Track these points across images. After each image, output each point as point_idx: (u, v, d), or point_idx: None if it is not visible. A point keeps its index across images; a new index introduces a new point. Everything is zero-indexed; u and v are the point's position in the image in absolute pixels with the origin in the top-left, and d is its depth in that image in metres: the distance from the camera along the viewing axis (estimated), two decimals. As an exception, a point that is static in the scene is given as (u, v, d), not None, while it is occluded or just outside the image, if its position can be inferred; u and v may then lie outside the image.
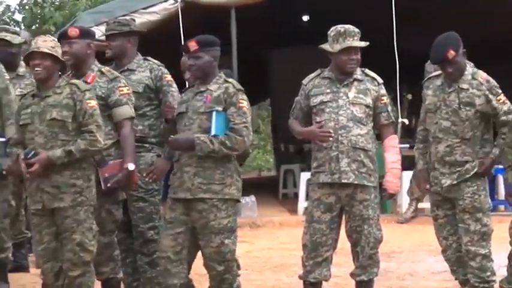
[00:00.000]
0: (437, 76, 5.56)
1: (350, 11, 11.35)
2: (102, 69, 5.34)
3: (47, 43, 5.02)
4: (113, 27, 5.69)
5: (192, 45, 5.05)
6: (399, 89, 10.43)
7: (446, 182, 5.40)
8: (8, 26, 7.37)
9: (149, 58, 5.67)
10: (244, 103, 5.04)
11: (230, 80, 5.10)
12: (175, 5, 9.99)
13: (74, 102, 4.98)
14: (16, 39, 6.60)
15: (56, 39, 5.17)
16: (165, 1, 10.01)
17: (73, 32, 5.40)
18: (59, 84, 5.04)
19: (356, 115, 5.31)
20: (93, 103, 5.02)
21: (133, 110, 5.30)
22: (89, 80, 5.30)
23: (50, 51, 4.98)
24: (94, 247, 5.04)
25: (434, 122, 5.47)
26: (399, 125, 10.52)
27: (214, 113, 4.97)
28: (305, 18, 13.69)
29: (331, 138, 5.26)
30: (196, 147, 4.94)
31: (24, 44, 6.72)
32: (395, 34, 10.11)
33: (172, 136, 5.06)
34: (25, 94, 5.18)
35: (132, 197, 5.58)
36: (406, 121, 10.69)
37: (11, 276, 6.12)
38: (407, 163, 6.52)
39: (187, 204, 5.03)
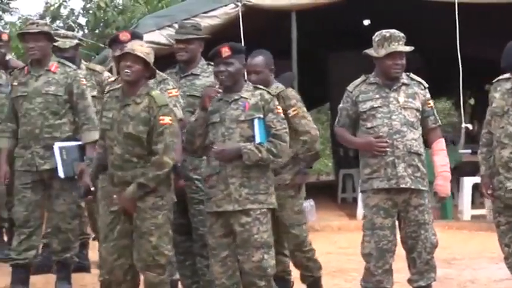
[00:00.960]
0: (507, 79, 5.40)
1: (412, 16, 11.29)
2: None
3: (142, 48, 5.02)
4: (190, 31, 5.70)
5: (225, 50, 4.95)
6: (462, 94, 10.31)
7: (510, 186, 5.30)
8: (59, 31, 7.44)
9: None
10: (280, 109, 5.00)
11: (260, 86, 5.03)
12: (236, 9, 10.03)
13: (149, 116, 4.97)
14: (66, 44, 6.68)
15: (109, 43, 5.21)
16: (225, 5, 10.06)
17: (124, 36, 5.49)
18: (140, 93, 5.02)
19: (408, 119, 5.26)
20: (167, 119, 4.96)
21: (181, 111, 5.37)
22: None
23: (144, 56, 4.98)
24: (169, 251, 5.08)
25: (500, 126, 5.34)
26: (463, 130, 10.41)
27: (256, 121, 4.90)
28: (366, 22, 13.62)
29: (388, 149, 5.22)
30: (244, 156, 4.85)
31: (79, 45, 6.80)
32: (459, 39, 10.00)
33: (216, 147, 4.94)
34: (110, 90, 5.19)
35: (193, 200, 5.61)
36: (470, 126, 10.58)
37: (73, 276, 6.20)
38: (470, 168, 6.45)
39: (228, 219, 4.90)
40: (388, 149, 5.20)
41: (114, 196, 5.02)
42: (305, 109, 5.75)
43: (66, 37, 6.76)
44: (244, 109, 4.92)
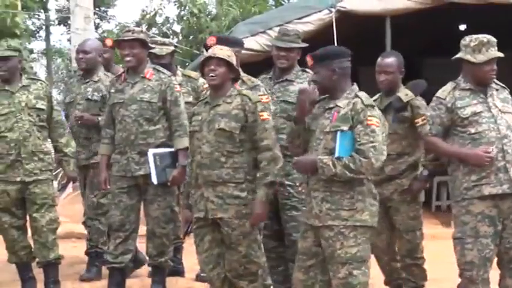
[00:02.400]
0: None
1: (509, 22, 11.04)
2: (243, 78, 5.43)
3: (223, 51, 5.07)
4: (293, 39, 5.72)
5: (308, 60, 4.80)
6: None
7: None
8: (156, 38, 7.54)
9: (307, 70, 5.67)
10: (373, 120, 4.58)
11: (360, 94, 4.72)
12: (330, 15, 10.00)
13: (244, 113, 5.01)
14: (163, 51, 6.77)
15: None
16: (319, 11, 10.04)
17: (211, 41, 5.56)
18: (230, 94, 5.08)
19: (510, 124, 5.12)
20: (265, 115, 5.01)
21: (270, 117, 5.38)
22: None
23: (226, 58, 5.03)
24: (260, 258, 5.07)
25: None
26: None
27: (338, 133, 4.60)
28: (462, 27, 13.39)
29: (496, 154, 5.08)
30: (319, 170, 4.58)
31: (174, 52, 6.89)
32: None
33: (296, 158, 4.78)
34: (199, 101, 5.26)
35: (285, 206, 5.62)
36: None
37: (167, 280, 6.27)
38: None
39: (317, 231, 4.71)
40: (498, 154, 5.01)
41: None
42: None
43: (163, 44, 6.86)
44: (331, 120, 4.68)
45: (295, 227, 5.52)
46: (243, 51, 8.22)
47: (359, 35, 10.61)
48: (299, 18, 9.98)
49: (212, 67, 5.02)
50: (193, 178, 5.12)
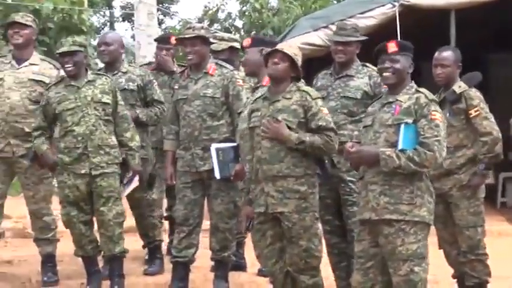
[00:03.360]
0: None
1: None
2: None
3: (291, 48, 5.12)
4: (350, 33, 5.69)
5: (392, 46, 4.71)
6: None
7: None
8: (216, 33, 7.57)
9: (368, 64, 5.64)
10: (437, 115, 4.58)
11: (422, 89, 4.70)
12: (393, 9, 9.91)
13: (303, 109, 5.04)
14: (220, 46, 6.79)
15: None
16: (382, 5, 9.97)
17: (247, 42, 5.65)
18: (290, 90, 5.10)
19: None
20: (326, 111, 5.08)
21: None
22: (264, 83, 5.49)
23: (291, 55, 5.05)
24: (321, 252, 5.08)
25: None
26: None
27: (402, 126, 4.56)
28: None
29: None
30: (381, 162, 4.54)
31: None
32: None
33: (355, 148, 4.70)
34: (257, 98, 5.28)
35: (347, 202, 5.60)
36: None
37: (230, 275, 6.30)
38: None
39: (374, 228, 4.67)
40: None
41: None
42: (488, 110, 5.65)
43: (222, 39, 6.89)
44: (394, 113, 4.64)
45: (357, 222, 5.49)
46: (306, 47, 8.22)
47: (423, 29, 10.50)
48: (362, 13, 9.91)
49: (276, 60, 5.05)
50: (254, 173, 5.14)
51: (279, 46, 5.13)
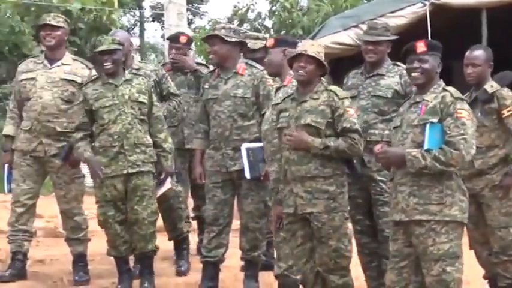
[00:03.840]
0: None
1: None
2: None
3: (313, 47, 5.10)
4: (380, 33, 5.66)
5: (421, 46, 4.70)
6: None
7: None
8: (250, 32, 7.58)
9: (399, 63, 5.62)
10: (464, 113, 4.55)
11: (448, 88, 4.68)
12: (424, 8, 9.86)
13: (330, 109, 5.03)
14: (256, 45, 6.80)
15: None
16: (413, 4, 9.92)
17: (270, 42, 5.67)
18: (317, 90, 5.10)
19: None
20: (352, 111, 5.05)
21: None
22: (285, 83, 5.51)
23: (316, 56, 5.05)
24: (350, 252, 5.06)
25: None
26: None
27: (428, 126, 4.55)
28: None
29: None
30: (408, 163, 4.54)
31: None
32: None
33: (383, 148, 4.70)
34: (285, 98, 5.27)
35: (377, 202, 5.58)
36: None
37: (259, 274, 6.29)
38: None
39: (406, 228, 4.64)
40: None
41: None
42: None
43: (257, 38, 6.89)
44: (420, 113, 4.63)
45: (388, 222, 5.46)
46: (336, 46, 8.19)
47: (453, 28, 10.43)
48: (392, 12, 9.87)
49: (302, 64, 5.05)
50: (282, 174, 5.14)
51: (301, 48, 5.10)
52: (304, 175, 5.02)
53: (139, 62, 6.81)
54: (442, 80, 4.79)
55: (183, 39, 7.13)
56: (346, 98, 5.10)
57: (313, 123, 5.01)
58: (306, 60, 5.04)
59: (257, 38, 6.89)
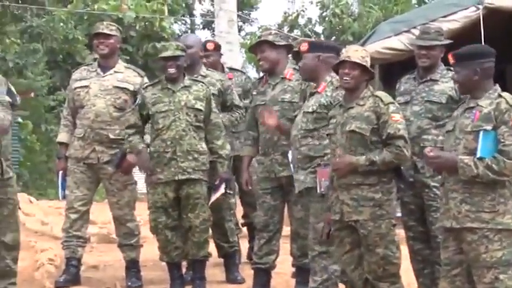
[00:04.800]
0: None
1: None
2: (333, 80, 5.40)
3: (357, 53, 5.06)
4: (434, 37, 5.62)
5: (450, 58, 4.67)
6: None
7: None
8: (305, 39, 7.58)
9: (452, 68, 5.55)
10: None
11: (504, 94, 4.57)
12: (477, 12, 9.73)
13: (376, 115, 4.99)
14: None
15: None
16: (466, 8, 9.80)
17: (304, 47, 5.60)
18: (364, 96, 5.07)
19: None
20: (398, 117, 4.98)
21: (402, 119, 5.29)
22: (319, 90, 5.48)
23: (360, 61, 5.02)
24: (399, 259, 5.02)
25: None
26: None
27: (481, 133, 4.45)
28: None
29: None
30: (459, 170, 4.45)
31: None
32: None
33: (433, 153, 4.64)
34: (335, 105, 5.26)
35: (430, 207, 5.53)
36: None
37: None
38: None
39: (458, 235, 4.56)
40: None
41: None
42: None
43: None
44: (473, 119, 4.53)
45: (440, 229, 5.42)
46: (387, 51, 8.13)
47: (508, 32, 10.29)
48: (444, 16, 9.76)
49: (346, 70, 5.02)
50: (330, 181, 5.13)
51: (345, 55, 5.06)
52: (349, 182, 5.00)
53: (207, 69, 6.81)
54: (497, 84, 4.71)
55: (209, 46, 7.14)
56: (392, 103, 5.05)
57: (357, 130, 4.98)
58: (350, 66, 5.01)
59: None
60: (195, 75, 6.49)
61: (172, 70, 6.04)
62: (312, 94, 5.63)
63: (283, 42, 6.15)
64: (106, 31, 6.48)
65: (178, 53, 6.04)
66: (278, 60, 6.09)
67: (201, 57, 6.80)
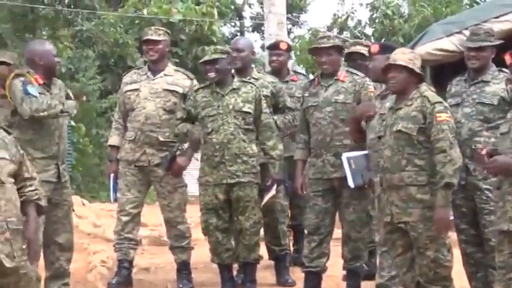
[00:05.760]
0: None
1: None
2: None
3: (405, 56, 5.05)
4: (483, 38, 5.57)
5: (507, 58, 4.65)
6: None
7: None
8: (360, 40, 7.57)
9: (504, 69, 5.49)
10: None
11: None
12: (530, 12, 9.60)
13: (423, 115, 4.95)
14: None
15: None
16: (519, 9, 9.67)
17: (374, 48, 5.65)
18: (412, 96, 5.04)
19: None
20: (444, 116, 4.93)
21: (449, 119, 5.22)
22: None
23: (406, 64, 5.00)
24: (451, 262, 4.98)
25: None
26: None
27: None
28: None
29: None
30: None
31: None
32: None
33: (489, 157, 4.59)
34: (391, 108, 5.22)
35: (483, 210, 5.47)
36: None
37: (362, 285, 6.25)
38: None
39: None
40: None
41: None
42: None
43: (367, 46, 6.86)
44: None
45: (494, 232, 5.35)
46: (438, 52, 8.05)
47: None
48: (496, 17, 9.64)
49: (392, 74, 5.01)
50: (380, 183, 5.10)
51: (391, 58, 5.05)
52: (398, 183, 4.97)
53: (259, 72, 6.83)
54: None
55: (283, 45, 7.17)
56: (439, 102, 4.99)
57: (404, 130, 4.96)
58: (396, 69, 5.00)
59: (367, 46, 6.85)
60: (247, 78, 6.50)
61: (211, 74, 6.08)
62: (385, 96, 5.61)
63: (338, 43, 6.19)
64: (154, 37, 6.53)
65: (215, 56, 6.07)
66: (337, 61, 6.11)
67: (278, 55, 6.97)
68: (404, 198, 4.96)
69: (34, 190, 4.47)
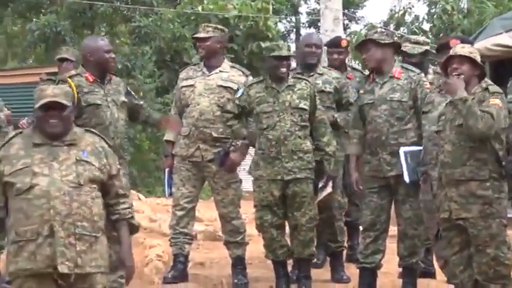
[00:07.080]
0: None
1: None
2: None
3: (464, 49, 5.02)
4: None
5: None
6: None
7: None
8: (410, 36, 7.47)
9: None
10: None
11: None
12: None
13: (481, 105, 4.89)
14: (414, 49, 6.67)
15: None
16: None
17: (454, 43, 5.55)
18: (474, 91, 5.00)
19: None
20: (497, 101, 4.89)
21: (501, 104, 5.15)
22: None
23: (468, 55, 4.96)
24: (511, 260, 4.91)
25: None
26: None
27: None
28: None
29: None
30: None
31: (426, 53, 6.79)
32: None
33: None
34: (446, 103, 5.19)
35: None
36: None
37: (418, 282, 6.19)
38: None
39: None
40: None
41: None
42: None
43: (417, 43, 6.77)
44: None
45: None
46: (497, 48, 7.92)
47: None
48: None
49: (455, 65, 4.97)
50: (438, 178, 5.03)
51: (452, 51, 5.02)
52: (458, 178, 4.91)
53: (323, 67, 6.81)
54: None
55: (343, 43, 7.15)
56: (498, 92, 4.93)
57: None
58: (458, 61, 4.97)
59: (417, 43, 6.76)
60: (312, 73, 6.49)
61: (284, 69, 6.06)
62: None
63: (388, 41, 6.07)
64: (202, 34, 6.56)
65: (290, 53, 6.10)
66: (384, 58, 6.02)
67: (339, 53, 7.01)
68: (464, 194, 4.91)
69: (127, 208, 4.37)
